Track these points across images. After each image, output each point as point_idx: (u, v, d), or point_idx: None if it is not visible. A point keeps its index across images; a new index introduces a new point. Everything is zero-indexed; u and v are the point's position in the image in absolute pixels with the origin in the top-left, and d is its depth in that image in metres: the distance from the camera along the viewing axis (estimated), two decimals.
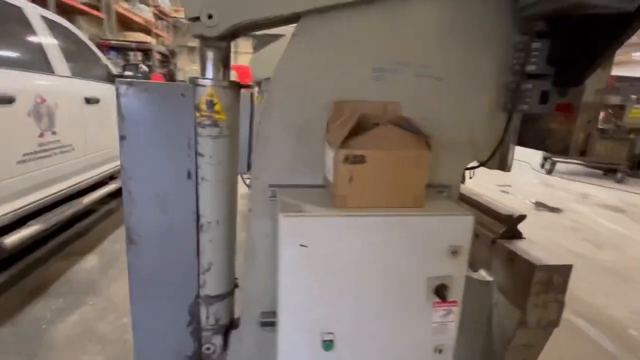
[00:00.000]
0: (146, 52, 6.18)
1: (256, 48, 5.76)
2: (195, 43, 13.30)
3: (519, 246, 1.32)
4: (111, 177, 3.57)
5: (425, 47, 1.13)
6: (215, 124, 1.05)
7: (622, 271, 3.14)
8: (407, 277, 0.96)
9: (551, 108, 1.13)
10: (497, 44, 1.17)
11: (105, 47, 5.35)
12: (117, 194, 3.50)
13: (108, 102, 3.29)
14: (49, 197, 2.45)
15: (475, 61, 1.18)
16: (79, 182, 2.91)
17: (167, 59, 6.23)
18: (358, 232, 0.91)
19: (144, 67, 3.57)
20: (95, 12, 6.07)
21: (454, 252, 0.95)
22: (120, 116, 1.01)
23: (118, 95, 0.99)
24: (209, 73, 1.06)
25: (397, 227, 0.92)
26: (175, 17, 12.95)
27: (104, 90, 3.28)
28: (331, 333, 0.96)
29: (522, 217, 1.39)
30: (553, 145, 1.15)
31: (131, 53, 6.27)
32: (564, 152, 1.11)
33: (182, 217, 1.10)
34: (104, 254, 2.92)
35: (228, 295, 1.22)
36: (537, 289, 1.20)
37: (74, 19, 5.44)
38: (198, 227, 1.12)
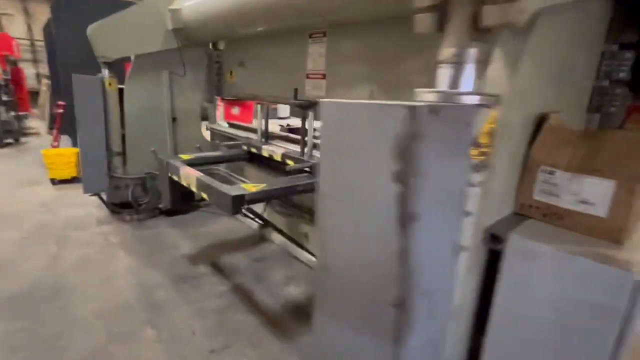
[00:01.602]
0: None
1: (55, 11, 4.08)
2: None
3: None
4: None
5: (576, 55, 1.09)
6: (486, 164, 0.69)
7: None
8: None
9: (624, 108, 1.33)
10: (594, 52, 1.25)
11: None
12: None
13: None
14: None
15: (586, 68, 1.22)
16: None
17: None
18: None
19: None
20: None
21: None
22: (420, 172, 0.50)
23: (413, 135, 0.48)
24: (469, 85, 0.66)
25: None
26: None
27: None
28: None
29: None
30: None
31: None
32: None
33: (443, 309, 0.69)
34: None
35: None
36: None
37: None
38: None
